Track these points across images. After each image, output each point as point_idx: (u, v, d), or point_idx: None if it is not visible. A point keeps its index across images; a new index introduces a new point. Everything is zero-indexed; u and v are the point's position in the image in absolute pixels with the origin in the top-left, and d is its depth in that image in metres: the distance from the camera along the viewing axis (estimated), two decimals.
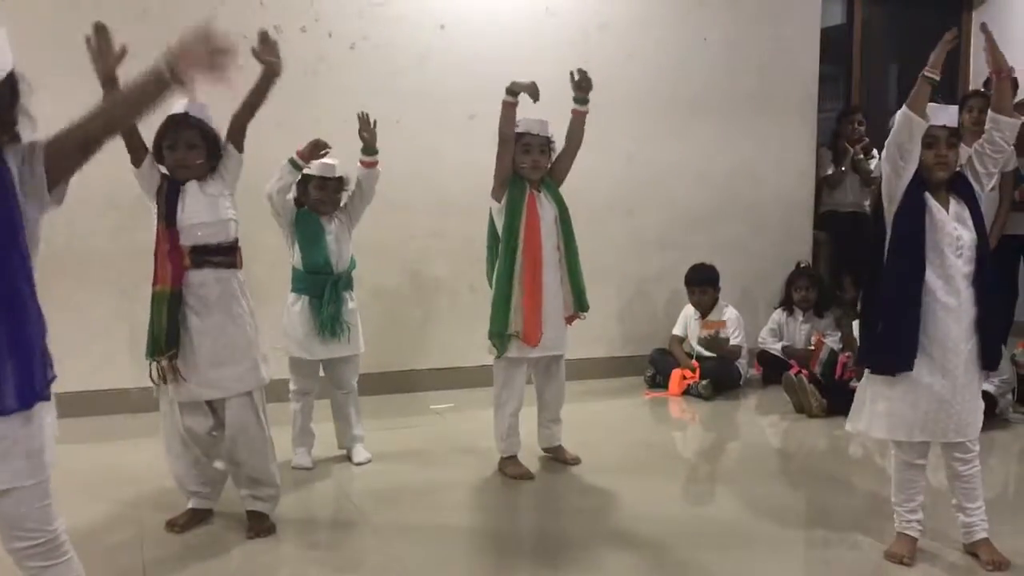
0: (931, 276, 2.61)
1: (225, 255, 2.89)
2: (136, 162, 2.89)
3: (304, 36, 4.76)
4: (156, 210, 2.88)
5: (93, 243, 4.34)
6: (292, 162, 3.48)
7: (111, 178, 4.31)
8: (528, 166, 3.55)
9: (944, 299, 2.61)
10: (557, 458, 3.79)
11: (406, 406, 4.73)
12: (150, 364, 2.86)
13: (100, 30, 2.73)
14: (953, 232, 2.62)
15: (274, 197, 3.49)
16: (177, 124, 2.85)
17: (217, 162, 2.92)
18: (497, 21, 5.14)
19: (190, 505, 3.03)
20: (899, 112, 2.61)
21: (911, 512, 2.76)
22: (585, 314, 3.72)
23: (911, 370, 2.61)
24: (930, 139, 2.63)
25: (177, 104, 2.87)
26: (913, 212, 2.62)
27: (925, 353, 2.62)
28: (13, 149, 1.76)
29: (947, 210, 2.64)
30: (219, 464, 3.05)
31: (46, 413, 1.83)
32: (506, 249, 3.52)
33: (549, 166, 3.63)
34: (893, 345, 2.62)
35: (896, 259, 2.65)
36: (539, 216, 3.55)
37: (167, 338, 2.81)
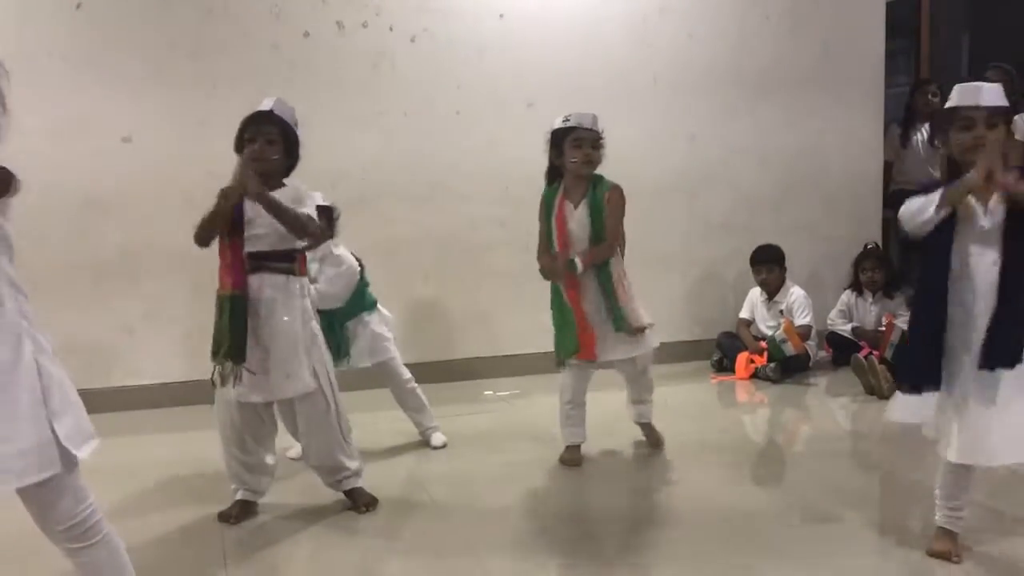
0: None
1: (283, 260, 2.96)
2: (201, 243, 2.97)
3: (366, 31, 4.83)
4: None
5: (168, 240, 4.47)
6: None
7: (185, 177, 4.49)
8: (580, 160, 3.45)
9: None
10: (645, 435, 3.83)
11: (470, 393, 4.78)
12: (213, 366, 2.92)
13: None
14: None
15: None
16: (259, 119, 2.93)
17: (295, 161, 3.00)
18: (556, 8, 5.13)
19: (238, 497, 3.09)
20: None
21: (954, 509, 2.66)
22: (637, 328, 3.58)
23: None
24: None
25: (265, 101, 2.96)
26: None
27: None
28: None
29: None
30: (270, 459, 3.14)
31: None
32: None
33: (600, 161, 3.52)
34: None
35: None
36: (568, 228, 3.50)
37: (231, 342, 2.87)
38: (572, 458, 3.64)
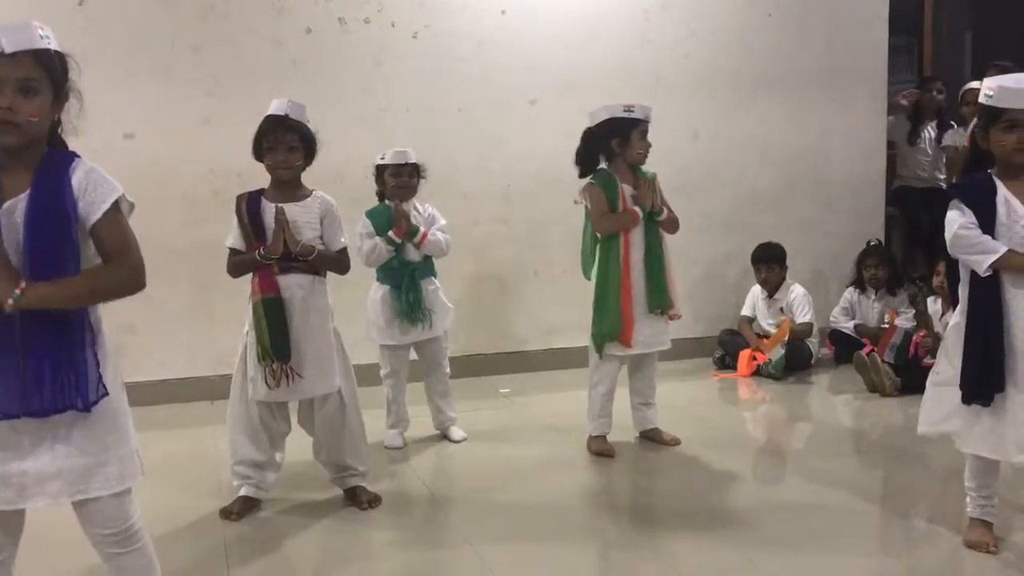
0: None
1: (306, 261, 2.98)
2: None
3: (368, 27, 4.82)
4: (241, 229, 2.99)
5: (170, 237, 4.48)
6: (389, 239, 3.63)
7: (187, 174, 4.50)
8: (644, 152, 3.59)
9: None
10: (655, 439, 3.81)
11: (473, 390, 4.77)
12: (264, 369, 2.92)
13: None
14: None
15: (366, 264, 3.62)
16: (277, 126, 2.93)
17: (312, 161, 3.03)
18: (557, 5, 5.12)
19: (243, 493, 3.09)
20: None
21: (986, 497, 2.66)
22: (673, 312, 3.68)
23: None
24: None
25: (276, 104, 2.96)
26: None
27: None
28: (80, 167, 1.91)
29: None
30: (279, 456, 3.15)
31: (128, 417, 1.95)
32: (608, 250, 3.56)
33: None
34: None
35: None
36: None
37: (274, 342, 2.89)
38: (606, 448, 3.66)
